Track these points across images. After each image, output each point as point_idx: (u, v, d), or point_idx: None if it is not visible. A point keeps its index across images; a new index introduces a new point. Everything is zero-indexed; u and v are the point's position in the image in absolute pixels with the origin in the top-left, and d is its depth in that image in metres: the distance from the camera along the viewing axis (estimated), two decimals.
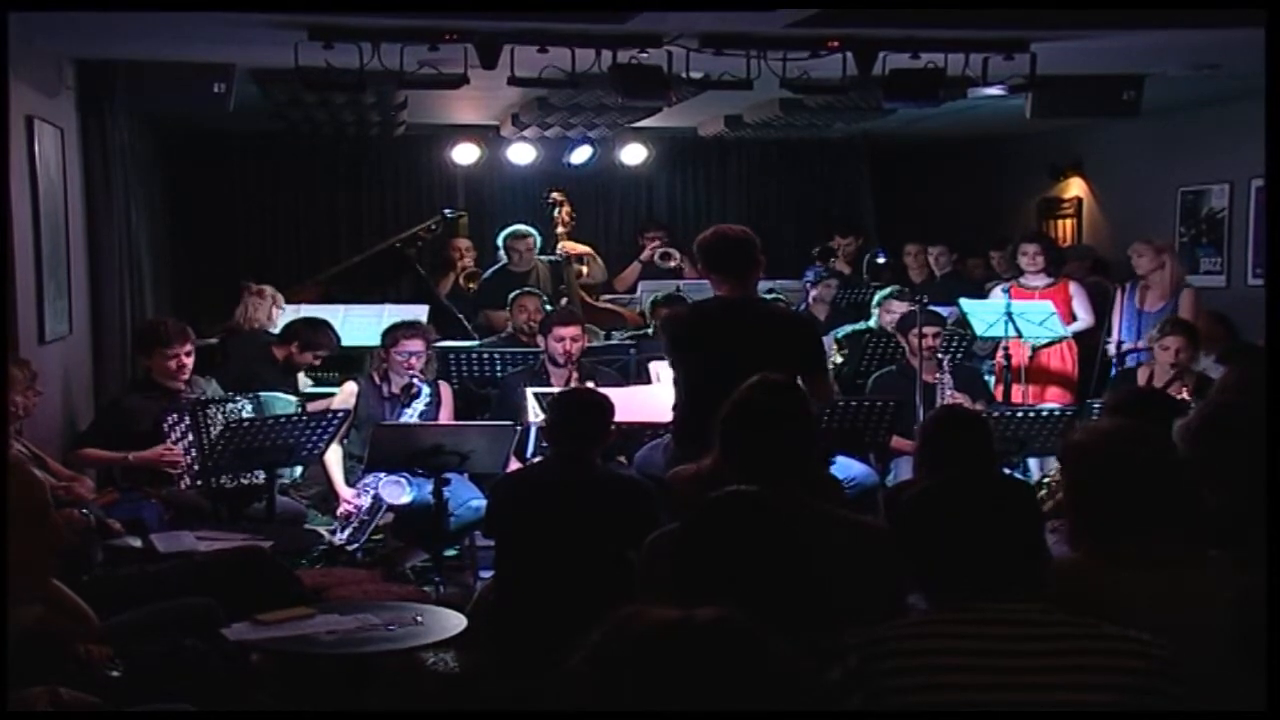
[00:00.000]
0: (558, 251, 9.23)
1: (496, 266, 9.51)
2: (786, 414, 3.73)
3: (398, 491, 6.10)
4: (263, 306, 7.73)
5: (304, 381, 7.41)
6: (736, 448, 3.70)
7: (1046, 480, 5.33)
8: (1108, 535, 2.74)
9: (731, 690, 1.56)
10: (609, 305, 9.39)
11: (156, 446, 5.85)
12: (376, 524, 6.25)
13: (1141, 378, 6.70)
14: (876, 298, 8.11)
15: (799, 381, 5.23)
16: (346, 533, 6.21)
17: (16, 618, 2.92)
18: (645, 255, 10.24)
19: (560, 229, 9.40)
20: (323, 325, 7.33)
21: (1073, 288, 8.02)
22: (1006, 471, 5.62)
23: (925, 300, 7.15)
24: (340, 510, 6.29)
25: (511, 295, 8.25)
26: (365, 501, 6.21)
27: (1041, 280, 7.97)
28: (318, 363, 7.22)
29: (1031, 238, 8.50)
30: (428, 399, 6.46)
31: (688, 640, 1.59)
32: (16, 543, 2.91)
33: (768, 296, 8.34)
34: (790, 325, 5.39)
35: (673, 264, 9.91)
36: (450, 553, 6.39)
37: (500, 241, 9.48)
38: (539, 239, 9.48)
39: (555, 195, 9.48)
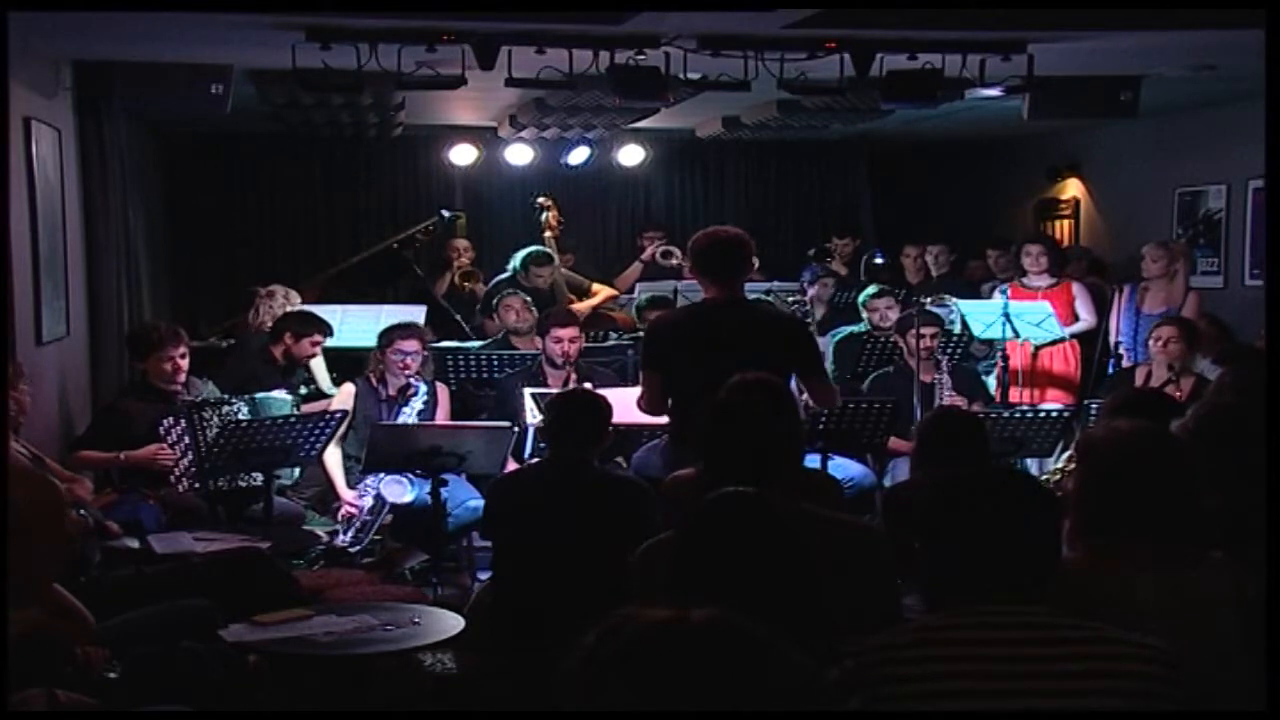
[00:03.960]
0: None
1: (505, 276, 9.00)
2: (762, 413, 3.74)
3: (400, 490, 6.11)
4: (274, 306, 7.73)
5: (327, 384, 7.40)
6: (715, 449, 3.71)
7: (1044, 478, 5.33)
8: (1112, 535, 2.73)
9: (728, 691, 1.56)
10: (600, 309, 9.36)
11: (150, 445, 5.86)
12: (377, 529, 6.27)
13: (1139, 378, 6.71)
14: (861, 298, 8.12)
15: (796, 384, 5.27)
16: (349, 534, 6.21)
17: (14, 620, 2.92)
18: (646, 255, 10.23)
19: (548, 233, 9.37)
20: (308, 313, 7.34)
21: (1075, 288, 8.03)
22: None
23: (924, 301, 7.16)
24: (343, 512, 6.30)
25: (495, 299, 8.21)
26: (367, 502, 6.22)
27: (1044, 281, 7.98)
28: (317, 350, 7.19)
29: (1036, 239, 8.52)
30: (425, 397, 6.47)
31: (683, 641, 1.59)
32: (27, 547, 2.92)
33: (766, 298, 8.38)
34: (781, 326, 5.39)
35: (674, 262, 9.90)
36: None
37: (519, 264, 8.82)
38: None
39: (542, 200, 9.45)
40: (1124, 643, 2.29)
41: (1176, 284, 7.56)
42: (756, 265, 9.30)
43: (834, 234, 10.77)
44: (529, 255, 8.78)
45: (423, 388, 6.48)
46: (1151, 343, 6.65)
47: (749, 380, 3.92)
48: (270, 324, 7.51)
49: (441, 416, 6.54)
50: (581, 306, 8.84)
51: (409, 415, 6.41)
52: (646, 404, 5.18)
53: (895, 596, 3.16)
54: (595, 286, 9.61)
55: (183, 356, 6.12)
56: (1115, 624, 2.34)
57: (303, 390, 7.31)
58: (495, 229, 11.31)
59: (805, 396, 5.52)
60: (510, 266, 8.83)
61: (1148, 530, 2.70)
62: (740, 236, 5.28)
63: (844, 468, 6.19)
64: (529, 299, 8.01)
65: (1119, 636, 2.30)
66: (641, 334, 8.04)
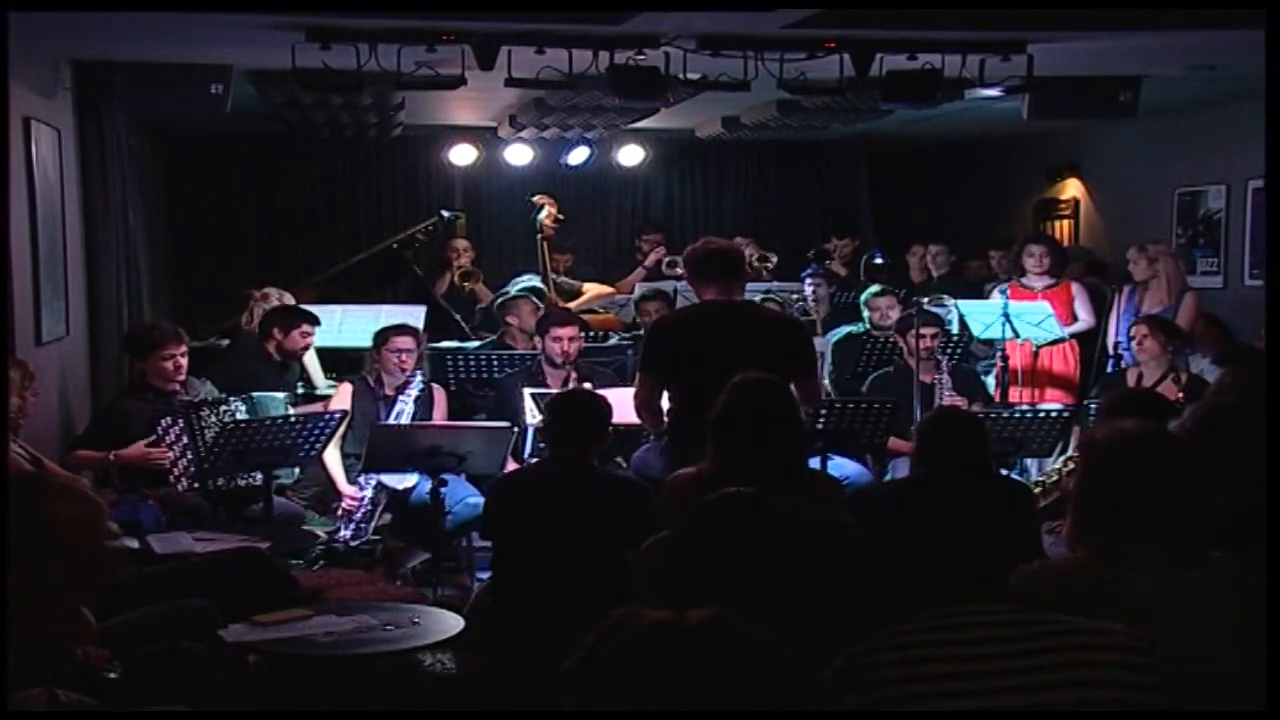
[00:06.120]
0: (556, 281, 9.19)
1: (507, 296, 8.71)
2: (771, 413, 3.75)
3: (401, 476, 6.13)
4: (268, 308, 7.73)
5: (322, 384, 7.42)
6: (724, 449, 3.72)
7: (1043, 478, 5.33)
8: (1113, 534, 2.73)
9: (726, 691, 1.56)
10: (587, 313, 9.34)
11: (139, 444, 5.85)
12: (378, 523, 6.28)
13: (1131, 379, 6.72)
14: (863, 297, 8.12)
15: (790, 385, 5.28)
16: (350, 529, 6.23)
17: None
18: (650, 262, 10.20)
19: (540, 235, 9.36)
20: (290, 307, 7.41)
21: (1075, 289, 8.05)
22: (1004, 472, 5.63)
23: (923, 301, 7.16)
24: (343, 507, 6.30)
25: (499, 303, 8.25)
26: (368, 493, 6.23)
27: (1043, 281, 7.99)
28: (309, 340, 7.20)
29: (1038, 239, 8.53)
30: (420, 386, 6.50)
31: (682, 641, 1.59)
32: (65, 570, 2.84)
33: (771, 296, 8.39)
34: (780, 328, 5.42)
35: (680, 270, 9.89)
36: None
37: (530, 290, 8.59)
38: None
39: (537, 199, 9.44)
40: (1108, 632, 2.31)
41: (1160, 285, 7.61)
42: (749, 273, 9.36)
43: (833, 234, 10.77)
44: (522, 290, 8.63)
45: (419, 376, 6.51)
46: (1135, 347, 6.70)
47: (751, 380, 3.93)
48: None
49: (438, 418, 6.55)
50: (565, 307, 8.83)
51: (405, 402, 6.44)
52: (640, 405, 5.21)
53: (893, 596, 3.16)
54: (585, 286, 9.59)
55: (183, 356, 6.13)
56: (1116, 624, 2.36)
57: (299, 390, 7.32)
58: (495, 229, 11.31)
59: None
60: (515, 287, 8.77)
61: (1148, 530, 2.70)
62: (734, 246, 5.40)
63: (840, 466, 6.19)
64: (537, 303, 8.06)
65: (1086, 626, 2.32)
66: (640, 332, 8.07)
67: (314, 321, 7.24)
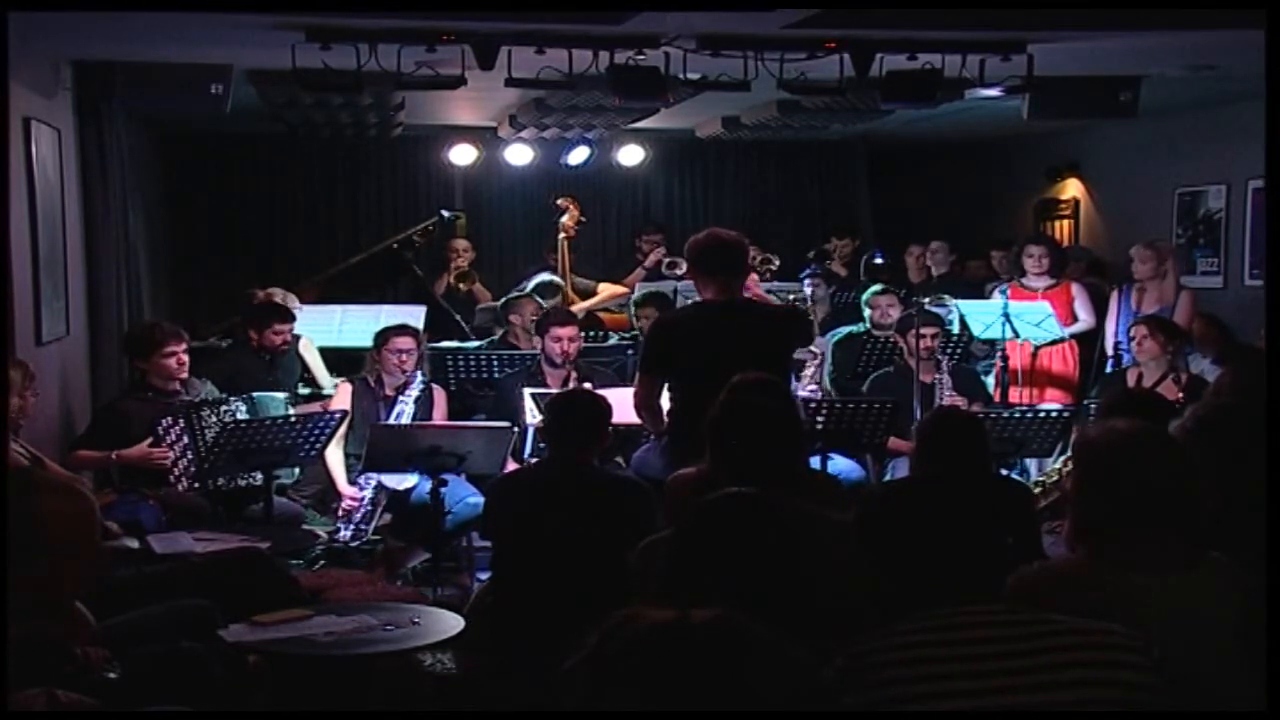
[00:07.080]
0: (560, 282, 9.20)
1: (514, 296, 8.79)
2: (771, 412, 3.75)
3: (401, 476, 6.13)
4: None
5: (327, 384, 7.43)
6: (724, 449, 3.72)
7: (1043, 478, 5.34)
8: (1112, 535, 2.73)
9: (729, 690, 1.57)
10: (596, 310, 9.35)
11: (141, 444, 5.85)
12: (378, 523, 6.28)
13: (1131, 379, 6.72)
14: (864, 296, 8.13)
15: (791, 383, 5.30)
16: (349, 530, 6.23)
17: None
18: (650, 262, 10.20)
19: (561, 235, 9.36)
20: (265, 305, 7.47)
21: (1075, 289, 8.04)
22: (1004, 472, 5.63)
23: (923, 301, 7.16)
24: (343, 507, 6.31)
25: (504, 301, 8.28)
26: (368, 493, 6.23)
27: (1043, 281, 7.99)
28: (285, 337, 7.20)
29: (1037, 239, 8.53)
30: (420, 386, 6.50)
31: (685, 641, 1.59)
32: (59, 564, 2.86)
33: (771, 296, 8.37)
34: (781, 321, 5.44)
35: (679, 271, 9.88)
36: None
37: (538, 290, 8.79)
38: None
39: (561, 201, 9.44)
40: (1091, 631, 2.32)
41: (1167, 283, 7.61)
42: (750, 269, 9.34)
43: (833, 234, 10.77)
44: (538, 285, 8.80)
45: (419, 376, 6.52)
46: (1134, 346, 6.71)
47: (750, 380, 3.94)
48: None
49: (438, 418, 6.55)
50: (580, 306, 8.85)
51: (406, 403, 6.44)
52: (640, 404, 5.22)
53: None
54: (600, 286, 9.60)
55: (185, 352, 6.15)
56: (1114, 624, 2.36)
57: (304, 390, 7.33)
58: (495, 229, 11.32)
59: (802, 390, 5.53)
60: (524, 287, 8.85)
61: (1147, 530, 2.70)
62: (739, 238, 5.37)
63: (832, 464, 6.19)
64: (541, 301, 8.06)
65: (1086, 626, 2.33)
66: (638, 334, 8.07)
67: (287, 318, 7.24)
